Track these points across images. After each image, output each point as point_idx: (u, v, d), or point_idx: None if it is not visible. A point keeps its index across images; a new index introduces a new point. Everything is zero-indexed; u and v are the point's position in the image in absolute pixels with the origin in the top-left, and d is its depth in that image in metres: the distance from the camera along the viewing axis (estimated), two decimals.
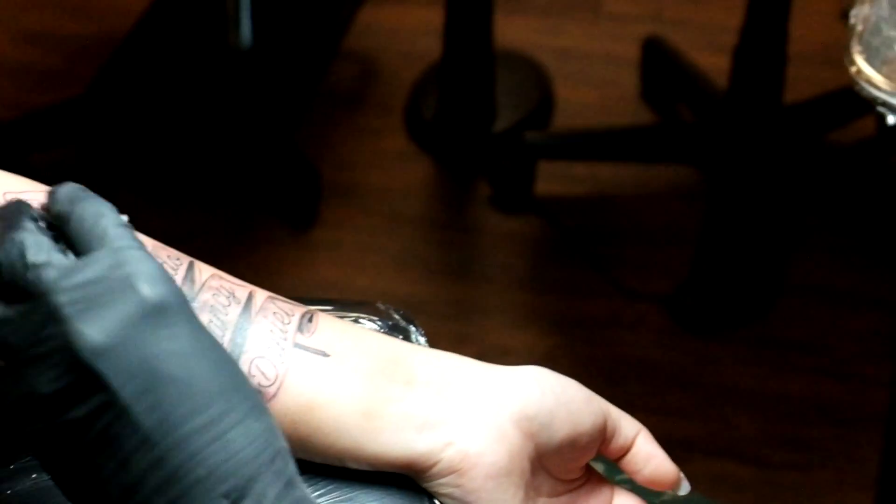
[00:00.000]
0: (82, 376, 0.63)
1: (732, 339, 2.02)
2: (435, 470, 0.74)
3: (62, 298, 0.63)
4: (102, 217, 0.67)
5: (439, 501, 0.75)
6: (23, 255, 0.64)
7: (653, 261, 2.13)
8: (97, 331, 0.63)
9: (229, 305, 0.76)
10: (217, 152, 2.31)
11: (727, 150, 2.13)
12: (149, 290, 0.64)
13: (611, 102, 2.37)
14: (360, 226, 2.20)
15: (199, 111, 2.30)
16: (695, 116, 2.30)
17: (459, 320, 2.07)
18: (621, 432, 0.78)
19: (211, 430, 0.63)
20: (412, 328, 0.82)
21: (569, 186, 2.25)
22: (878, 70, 1.11)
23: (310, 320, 0.76)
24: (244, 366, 0.74)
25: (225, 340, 0.75)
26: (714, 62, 2.25)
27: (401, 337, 0.81)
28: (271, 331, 0.75)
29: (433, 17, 2.35)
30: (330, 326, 0.77)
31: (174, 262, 0.76)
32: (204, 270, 0.77)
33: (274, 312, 0.76)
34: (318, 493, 0.75)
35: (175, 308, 0.65)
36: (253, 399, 0.65)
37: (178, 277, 0.75)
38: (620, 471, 0.79)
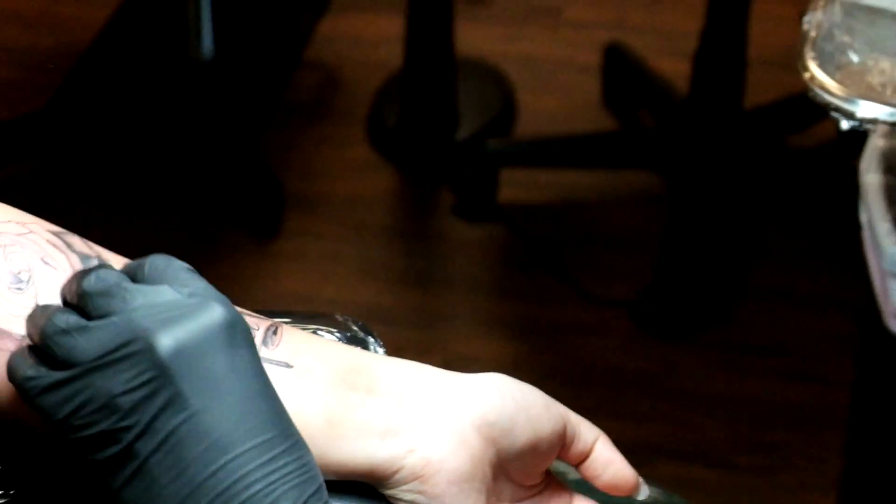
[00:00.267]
0: (156, 378, 0.66)
1: (696, 343, 2.03)
2: (398, 477, 0.75)
3: (141, 312, 0.68)
4: (172, 261, 0.71)
5: None
6: (104, 281, 0.69)
7: (616, 266, 2.14)
8: (173, 338, 0.67)
9: None
10: (180, 164, 2.31)
11: (689, 155, 2.14)
12: (221, 310, 0.68)
13: (573, 109, 2.37)
14: (323, 235, 2.20)
15: (162, 123, 2.30)
16: (656, 122, 2.31)
17: (424, 329, 2.07)
18: (581, 438, 0.78)
19: (265, 455, 0.67)
20: (370, 339, 0.83)
21: (532, 193, 2.25)
22: (832, 76, 1.12)
23: (274, 333, 0.77)
24: None
25: None
26: (675, 68, 2.26)
27: (359, 348, 0.81)
28: None
29: (395, 26, 2.35)
30: (293, 338, 0.77)
31: None
32: None
33: None
34: None
35: (242, 332, 0.69)
36: (298, 433, 0.69)
37: None
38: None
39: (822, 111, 1.15)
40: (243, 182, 2.22)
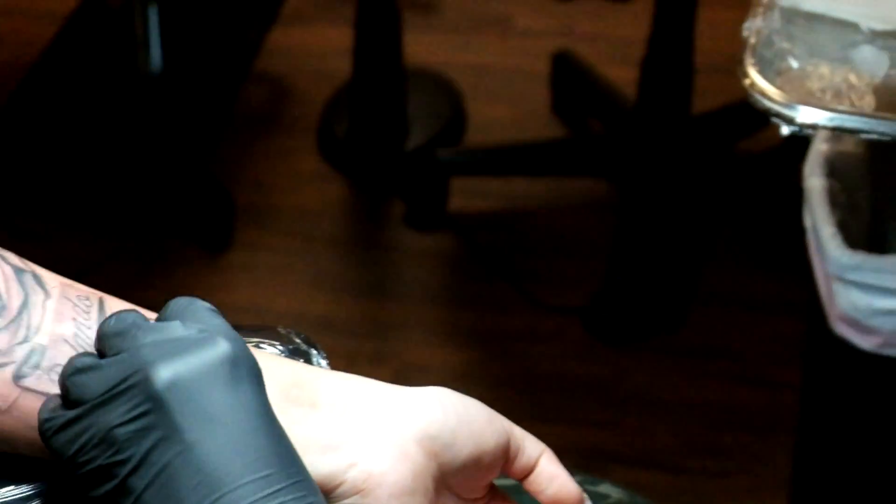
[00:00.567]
0: (152, 410, 0.66)
1: (647, 349, 2.04)
2: (339, 491, 0.75)
3: (148, 348, 0.68)
4: (194, 301, 0.72)
5: None
6: (122, 321, 0.70)
7: (567, 273, 2.15)
8: (171, 370, 0.67)
9: None
10: (129, 177, 2.30)
11: (637, 162, 2.15)
12: (226, 345, 0.68)
13: (522, 117, 2.38)
14: (274, 247, 2.20)
15: (111, 137, 2.29)
16: (605, 129, 2.32)
17: (376, 339, 2.07)
18: (524, 452, 0.78)
19: (263, 491, 0.66)
20: (313, 351, 0.83)
21: (482, 202, 2.26)
22: (772, 82, 1.13)
23: None
24: None
25: None
26: (623, 75, 2.27)
27: (302, 360, 0.81)
28: None
29: (343, 37, 2.35)
30: None
31: (84, 303, 0.76)
32: (115, 306, 0.77)
33: None
34: None
35: (248, 369, 0.69)
36: (305, 472, 0.68)
37: (92, 318, 0.76)
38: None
39: (767, 117, 1.16)
40: (193, 195, 2.22)
